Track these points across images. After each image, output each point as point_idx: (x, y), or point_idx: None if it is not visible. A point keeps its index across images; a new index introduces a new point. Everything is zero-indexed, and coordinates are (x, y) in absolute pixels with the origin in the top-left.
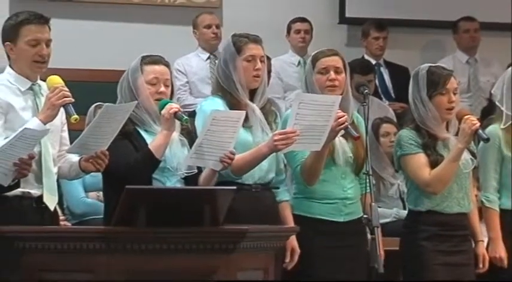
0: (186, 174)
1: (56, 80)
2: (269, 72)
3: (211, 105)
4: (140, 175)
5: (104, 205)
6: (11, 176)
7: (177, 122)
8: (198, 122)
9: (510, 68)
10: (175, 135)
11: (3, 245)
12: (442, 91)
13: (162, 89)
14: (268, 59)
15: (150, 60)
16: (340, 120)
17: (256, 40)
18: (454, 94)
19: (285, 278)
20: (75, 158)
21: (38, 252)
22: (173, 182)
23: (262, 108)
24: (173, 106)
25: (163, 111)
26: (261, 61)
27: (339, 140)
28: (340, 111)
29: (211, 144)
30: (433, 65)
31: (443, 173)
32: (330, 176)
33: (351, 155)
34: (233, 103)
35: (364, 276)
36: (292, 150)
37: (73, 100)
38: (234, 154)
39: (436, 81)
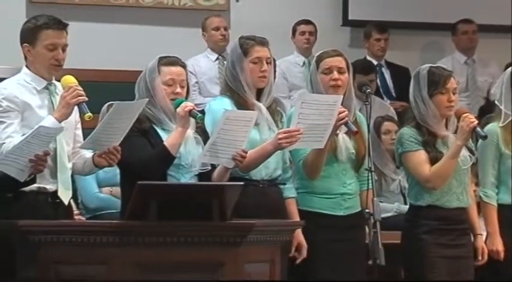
0: (200, 171)
1: (70, 79)
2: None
3: (220, 105)
4: (155, 171)
5: (121, 199)
6: (27, 171)
7: (192, 120)
8: (208, 121)
9: (509, 69)
10: (190, 133)
11: (19, 239)
12: (442, 90)
13: (178, 90)
14: (273, 60)
15: (167, 61)
16: (340, 115)
17: (263, 42)
18: (454, 94)
19: (290, 270)
20: (88, 154)
21: (53, 246)
22: (187, 179)
23: (268, 108)
24: (188, 104)
25: (178, 109)
26: (267, 62)
27: (342, 137)
28: (341, 107)
29: (224, 143)
30: (434, 65)
31: (442, 169)
32: (332, 172)
33: (353, 151)
34: (240, 103)
35: (364, 269)
36: (296, 147)
37: (87, 99)
38: (246, 152)
39: (437, 81)
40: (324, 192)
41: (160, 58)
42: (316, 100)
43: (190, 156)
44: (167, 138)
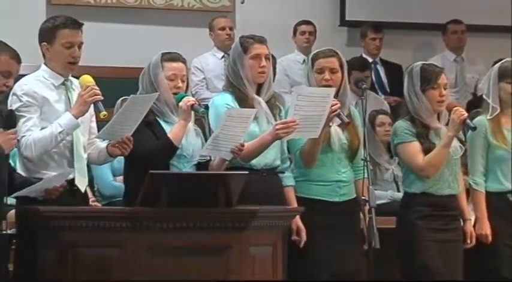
0: (199, 161)
1: (88, 79)
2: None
3: (222, 100)
4: (160, 161)
5: (124, 186)
6: (40, 194)
7: (192, 113)
8: (211, 115)
9: (496, 65)
10: (191, 125)
11: (40, 224)
12: (434, 86)
13: (180, 84)
14: (273, 57)
15: (169, 57)
16: (333, 107)
17: (261, 40)
18: (445, 89)
19: (290, 253)
20: (102, 144)
21: (71, 230)
22: (188, 168)
23: (267, 102)
24: (190, 99)
25: (181, 104)
26: (266, 58)
27: (335, 129)
28: (334, 99)
29: (225, 138)
30: (426, 62)
31: (435, 158)
32: (326, 161)
33: (345, 141)
34: (241, 97)
35: (359, 251)
36: (293, 137)
37: (102, 98)
38: (243, 146)
39: (429, 77)
40: (320, 179)
41: (163, 54)
42: (310, 93)
43: (191, 147)
44: (170, 131)
